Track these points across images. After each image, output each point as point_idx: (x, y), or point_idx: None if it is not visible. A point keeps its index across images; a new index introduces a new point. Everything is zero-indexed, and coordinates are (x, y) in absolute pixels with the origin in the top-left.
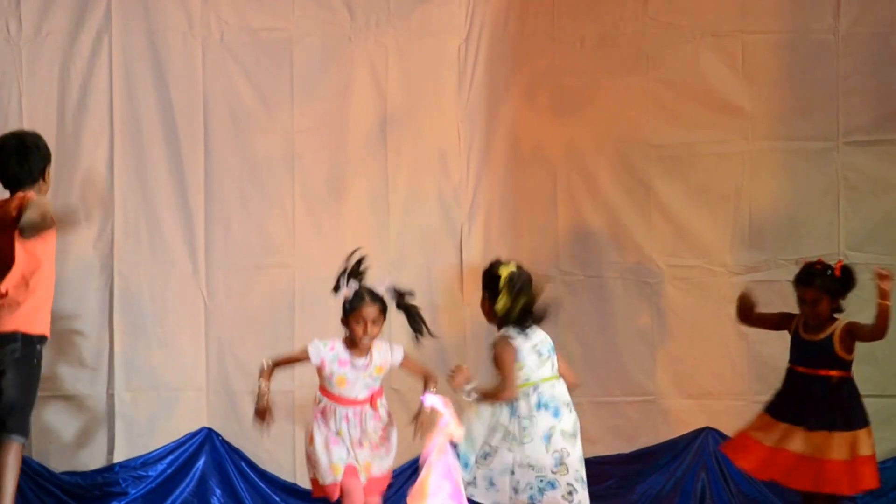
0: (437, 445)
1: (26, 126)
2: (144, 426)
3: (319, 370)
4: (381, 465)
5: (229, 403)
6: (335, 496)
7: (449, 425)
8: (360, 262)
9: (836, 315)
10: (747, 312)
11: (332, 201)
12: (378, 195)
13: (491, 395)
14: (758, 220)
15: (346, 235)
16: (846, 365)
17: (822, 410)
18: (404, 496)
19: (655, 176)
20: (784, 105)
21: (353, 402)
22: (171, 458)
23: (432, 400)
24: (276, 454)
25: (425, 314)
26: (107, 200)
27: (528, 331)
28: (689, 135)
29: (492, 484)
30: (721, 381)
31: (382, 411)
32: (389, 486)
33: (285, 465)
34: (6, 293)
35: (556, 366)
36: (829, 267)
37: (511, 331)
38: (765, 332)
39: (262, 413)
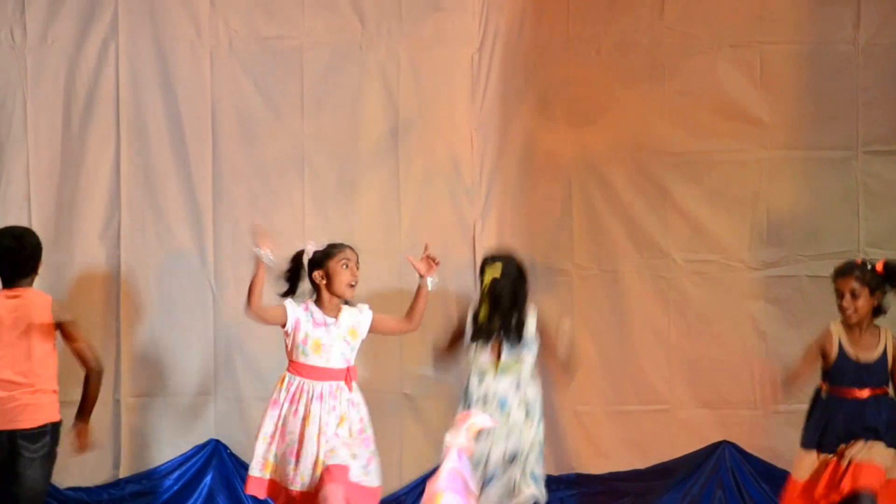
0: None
1: (31, 134)
2: (151, 436)
3: (293, 336)
4: (357, 466)
5: (238, 411)
6: (256, 493)
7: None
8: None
9: (877, 321)
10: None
11: (342, 204)
12: (389, 199)
13: None
14: (776, 219)
15: (355, 236)
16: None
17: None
18: None
19: (671, 181)
20: (802, 115)
21: (328, 375)
22: (177, 473)
23: (482, 419)
24: None
25: (437, 314)
26: None
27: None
28: (705, 143)
29: None
30: (739, 388)
31: (359, 397)
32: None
33: None
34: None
35: None
36: (869, 262)
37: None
38: (784, 330)
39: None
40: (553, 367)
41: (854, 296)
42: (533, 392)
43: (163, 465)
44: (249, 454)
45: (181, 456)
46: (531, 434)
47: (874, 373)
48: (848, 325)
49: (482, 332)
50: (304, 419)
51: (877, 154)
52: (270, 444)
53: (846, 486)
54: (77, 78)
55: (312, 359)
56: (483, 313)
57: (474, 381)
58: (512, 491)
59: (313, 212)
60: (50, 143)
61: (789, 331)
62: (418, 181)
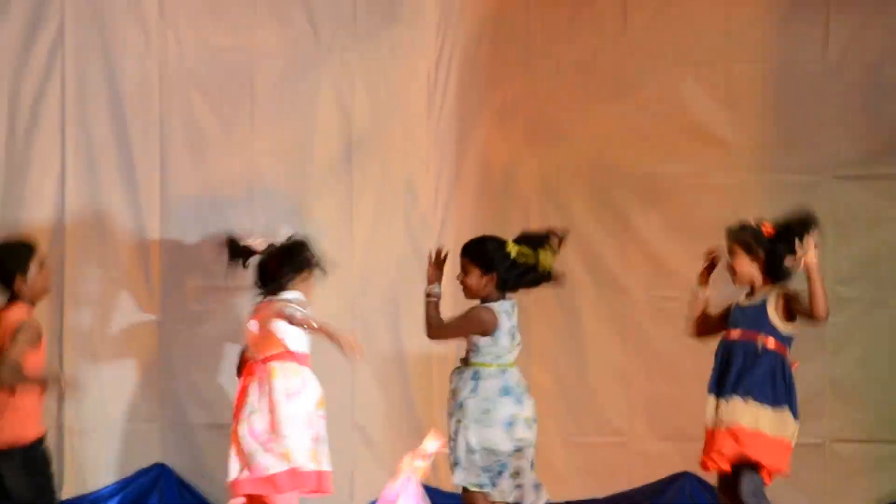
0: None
1: None
2: (94, 461)
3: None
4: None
5: (184, 436)
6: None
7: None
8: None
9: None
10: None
11: (293, 224)
12: (342, 220)
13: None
14: None
15: None
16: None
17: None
18: None
19: (633, 207)
20: (769, 137)
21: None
22: (120, 496)
23: (432, 445)
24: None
25: (391, 340)
26: None
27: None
28: (668, 166)
29: None
30: (700, 423)
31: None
32: None
33: None
34: None
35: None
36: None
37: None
38: None
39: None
40: None
41: (732, 255)
42: None
43: (105, 487)
44: (198, 480)
45: (124, 479)
46: None
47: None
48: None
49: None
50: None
51: (846, 179)
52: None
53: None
54: (21, 89)
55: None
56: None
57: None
58: None
59: (264, 232)
60: None
61: None
62: (372, 205)
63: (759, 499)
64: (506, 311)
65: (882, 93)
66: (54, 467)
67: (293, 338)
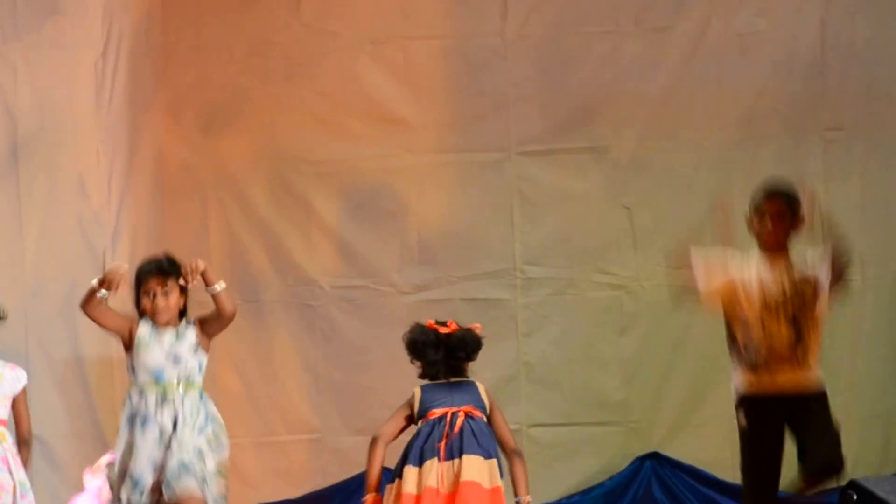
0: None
1: None
2: None
3: None
4: None
5: None
6: None
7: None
8: None
9: None
10: None
11: None
12: (10, 221)
13: None
14: (427, 236)
15: None
16: None
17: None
18: None
19: (315, 194)
20: (452, 115)
21: None
22: None
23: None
24: None
25: (70, 344)
26: None
27: None
28: (349, 149)
29: None
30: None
31: None
32: None
33: None
34: None
35: None
36: None
37: None
38: None
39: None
40: None
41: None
42: None
43: None
44: None
45: None
46: None
47: None
48: None
49: None
50: None
51: (530, 155)
52: None
53: None
54: None
55: None
56: None
57: None
58: None
59: None
60: None
61: None
62: (42, 206)
63: None
64: None
65: (561, 65)
66: None
67: None
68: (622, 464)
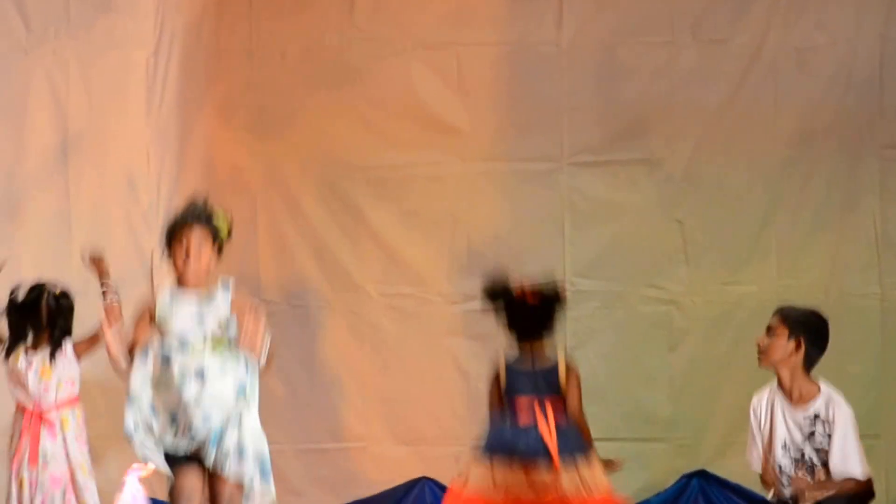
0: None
1: None
2: None
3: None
4: None
5: None
6: None
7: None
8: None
9: None
10: None
11: (6, 226)
12: (59, 220)
13: None
14: (477, 245)
15: (22, 263)
16: None
17: None
18: None
19: (364, 200)
20: (505, 123)
21: None
22: None
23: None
24: None
25: None
26: None
27: None
28: (400, 156)
29: None
30: (438, 425)
31: None
32: None
33: None
34: None
35: None
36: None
37: None
38: (486, 367)
39: None
40: None
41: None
42: None
43: None
44: None
45: None
46: None
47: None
48: None
49: None
50: None
51: (584, 165)
52: None
53: None
54: None
55: None
56: None
57: None
58: None
59: None
60: None
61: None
62: (90, 204)
63: None
64: None
65: (617, 75)
66: None
67: None
68: (668, 481)
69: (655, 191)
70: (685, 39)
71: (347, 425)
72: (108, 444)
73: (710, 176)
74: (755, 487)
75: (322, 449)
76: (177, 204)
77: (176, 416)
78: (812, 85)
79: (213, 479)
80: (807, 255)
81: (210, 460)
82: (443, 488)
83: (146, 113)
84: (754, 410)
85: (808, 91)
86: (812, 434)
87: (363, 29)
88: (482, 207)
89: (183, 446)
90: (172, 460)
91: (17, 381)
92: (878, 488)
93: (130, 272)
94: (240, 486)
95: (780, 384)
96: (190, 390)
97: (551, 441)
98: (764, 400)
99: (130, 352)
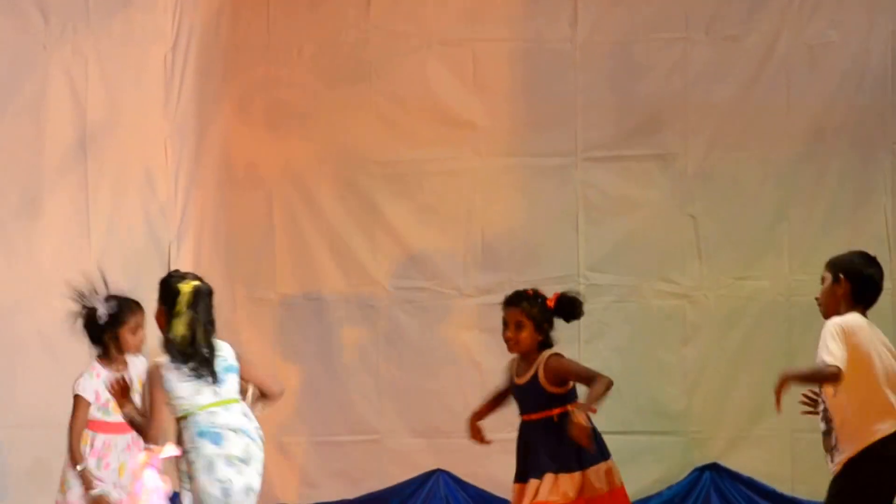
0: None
1: None
2: None
3: (90, 406)
4: None
5: None
6: None
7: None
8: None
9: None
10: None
11: (25, 221)
12: (78, 215)
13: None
14: (492, 240)
15: (42, 258)
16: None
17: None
18: None
19: (380, 195)
20: (519, 119)
21: (126, 429)
22: None
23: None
24: None
25: None
26: None
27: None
28: (416, 151)
29: None
30: (453, 418)
31: None
32: None
33: None
34: None
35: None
36: (541, 296)
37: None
38: (500, 361)
39: None
40: None
41: (519, 328)
42: None
43: None
44: None
45: None
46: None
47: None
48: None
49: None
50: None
51: (598, 161)
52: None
53: None
54: None
55: (115, 416)
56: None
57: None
58: None
59: None
60: None
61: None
62: (109, 197)
63: None
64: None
65: (631, 73)
66: None
67: None
68: (681, 474)
69: (669, 186)
70: (699, 36)
71: (363, 418)
72: None
73: (723, 171)
74: (768, 481)
75: (337, 441)
76: (194, 197)
77: None
78: (825, 82)
79: None
80: (819, 251)
81: None
82: (457, 481)
83: (164, 108)
84: None
85: (820, 88)
86: None
87: (380, 25)
88: (497, 202)
89: None
90: None
91: None
92: None
93: (148, 265)
94: None
95: None
96: None
97: None
98: None
99: None
